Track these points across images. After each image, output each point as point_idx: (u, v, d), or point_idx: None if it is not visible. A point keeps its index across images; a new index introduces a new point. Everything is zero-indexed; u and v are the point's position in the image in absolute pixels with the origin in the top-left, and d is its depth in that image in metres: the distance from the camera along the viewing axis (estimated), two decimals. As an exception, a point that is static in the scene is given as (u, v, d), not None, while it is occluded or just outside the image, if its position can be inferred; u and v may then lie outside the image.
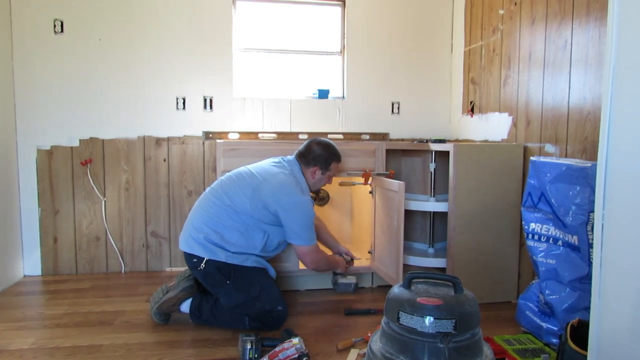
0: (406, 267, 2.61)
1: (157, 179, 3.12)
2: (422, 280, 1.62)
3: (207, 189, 2.35)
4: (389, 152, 2.86)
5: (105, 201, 3.07)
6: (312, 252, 2.32)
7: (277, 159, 2.45)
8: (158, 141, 3.10)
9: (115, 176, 3.08)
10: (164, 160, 3.11)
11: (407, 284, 1.56)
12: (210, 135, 3.14)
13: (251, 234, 2.24)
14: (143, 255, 3.15)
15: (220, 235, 2.19)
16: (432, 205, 2.70)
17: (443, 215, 2.75)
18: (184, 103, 3.12)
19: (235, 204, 2.23)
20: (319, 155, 2.42)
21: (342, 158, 2.51)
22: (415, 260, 2.71)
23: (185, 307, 2.26)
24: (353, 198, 3.34)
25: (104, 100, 3.04)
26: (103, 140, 3.05)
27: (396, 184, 2.44)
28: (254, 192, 2.24)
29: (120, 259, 3.12)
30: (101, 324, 2.28)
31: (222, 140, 2.73)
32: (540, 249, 2.11)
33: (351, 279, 2.63)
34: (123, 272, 3.12)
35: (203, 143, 3.14)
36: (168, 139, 3.11)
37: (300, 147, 2.48)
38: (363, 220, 3.06)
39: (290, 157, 2.45)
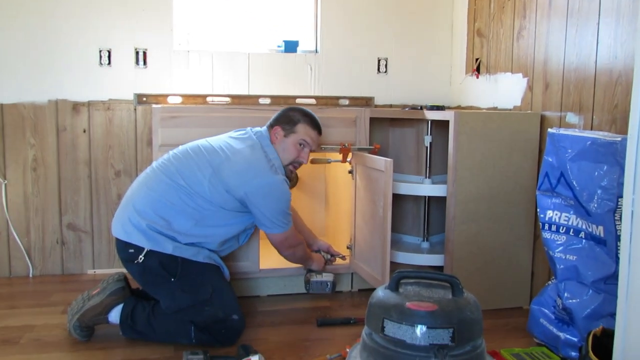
0: (394, 265, 2.66)
1: (74, 156, 3.09)
2: (412, 280, 1.66)
3: (155, 164, 2.35)
4: (373, 121, 2.89)
5: (5, 184, 3.02)
6: (289, 238, 2.40)
7: (243, 130, 2.46)
8: (76, 106, 3.06)
9: (19, 152, 3.03)
10: (84, 131, 3.08)
11: (395, 286, 1.59)
12: (145, 99, 3.11)
13: (208, 224, 2.26)
14: (57, 254, 3.12)
15: (167, 223, 2.21)
16: (427, 188, 2.74)
17: (440, 201, 2.80)
18: (109, 57, 3.07)
19: (191, 185, 2.24)
20: (285, 115, 2.45)
21: (320, 129, 2.52)
22: (406, 257, 2.77)
23: (115, 316, 2.26)
24: (328, 179, 3.36)
25: (1, 52, 2.97)
26: (2, 105, 2.99)
27: (382, 162, 2.47)
28: (214, 172, 2.25)
29: (27, 259, 3.08)
30: (3, 343, 2.25)
31: (159, 106, 2.71)
32: (559, 242, 2.18)
33: (328, 276, 2.66)
34: (31, 276, 3.09)
35: (135, 109, 3.11)
36: (89, 104, 3.07)
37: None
38: (340, 207, 3.09)
39: (261, 128, 2.47)
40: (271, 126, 2.45)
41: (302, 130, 2.44)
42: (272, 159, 2.36)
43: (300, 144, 2.44)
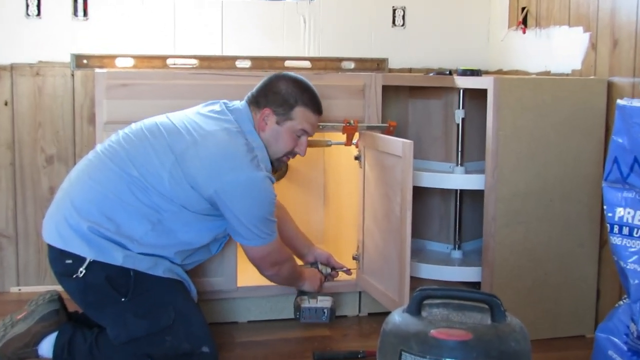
0: (415, 281, 2.65)
1: (-7, 137, 3.09)
2: (439, 301, 1.66)
3: (99, 147, 2.33)
4: (387, 90, 2.88)
5: None
6: (272, 252, 2.38)
7: (216, 105, 2.42)
8: (-6, 71, 3.06)
9: None
10: (5, 103, 3.07)
11: (416, 308, 1.59)
12: (86, 62, 3.10)
13: (168, 228, 2.25)
14: (-29, 266, 3.12)
15: (116, 226, 2.19)
16: (458, 179, 2.74)
17: (476, 196, 2.79)
18: (38, 6, 3.06)
19: (147, 177, 2.22)
20: (276, 91, 2.41)
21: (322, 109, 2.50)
22: (431, 271, 2.77)
23: (47, 348, 2.25)
24: (327, 167, 3.36)
25: None
26: None
27: (399, 144, 2.46)
28: (177, 161, 2.23)
29: None
30: None
31: (105, 70, 2.70)
32: (632, 249, 2.17)
33: (324, 301, 2.66)
34: (-63, 294, 3.09)
35: (72, 74, 3.10)
36: (12, 68, 3.06)
37: (256, 86, 2.48)
38: (343, 204, 3.08)
39: (239, 103, 2.45)
40: (256, 104, 2.41)
41: (301, 116, 2.41)
42: (255, 148, 2.33)
43: (292, 133, 2.43)
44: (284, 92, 2.40)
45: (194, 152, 2.25)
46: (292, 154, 2.48)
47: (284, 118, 2.40)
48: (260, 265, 2.41)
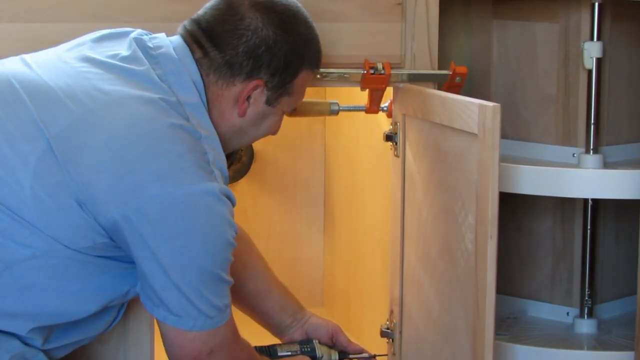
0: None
1: None
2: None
3: None
4: (449, 5, 2.91)
5: None
6: (220, 348, 2.35)
7: (122, 41, 2.41)
8: None
9: None
10: None
11: None
12: None
13: (25, 284, 2.24)
14: None
15: None
16: (590, 179, 2.77)
17: (626, 211, 2.82)
18: None
19: None
20: (270, 45, 2.38)
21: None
22: (537, 358, 2.80)
23: None
24: (331, 156, 3.41)
25: None
26: None
27: (474, 111, 2.45)
28: (52, 153, 2.21)
29: None
30: None
31: None
32: None
33: None
34: None
35: None
36: None
37: (200, 10, 2.45)
38: (362, 228, 3.13)
39: (166, 41, 2.43)
40: (230, 67, 2.38)
41: (303, 85, 2.46)
42: (203, 138, 2.32)
43: (282, 114, 2.49)
44: (285, 49, 2.39)
45: (89, 137, 2.23)
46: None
47: (279, 93, 2.41)
48: None
